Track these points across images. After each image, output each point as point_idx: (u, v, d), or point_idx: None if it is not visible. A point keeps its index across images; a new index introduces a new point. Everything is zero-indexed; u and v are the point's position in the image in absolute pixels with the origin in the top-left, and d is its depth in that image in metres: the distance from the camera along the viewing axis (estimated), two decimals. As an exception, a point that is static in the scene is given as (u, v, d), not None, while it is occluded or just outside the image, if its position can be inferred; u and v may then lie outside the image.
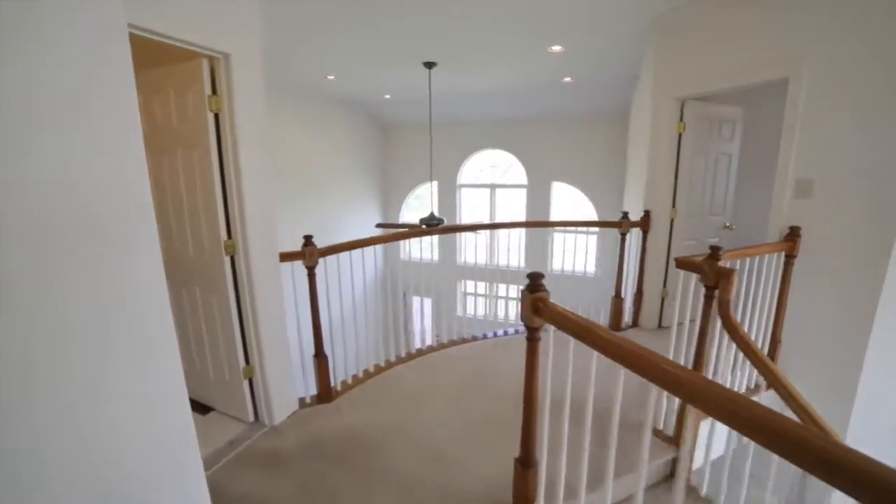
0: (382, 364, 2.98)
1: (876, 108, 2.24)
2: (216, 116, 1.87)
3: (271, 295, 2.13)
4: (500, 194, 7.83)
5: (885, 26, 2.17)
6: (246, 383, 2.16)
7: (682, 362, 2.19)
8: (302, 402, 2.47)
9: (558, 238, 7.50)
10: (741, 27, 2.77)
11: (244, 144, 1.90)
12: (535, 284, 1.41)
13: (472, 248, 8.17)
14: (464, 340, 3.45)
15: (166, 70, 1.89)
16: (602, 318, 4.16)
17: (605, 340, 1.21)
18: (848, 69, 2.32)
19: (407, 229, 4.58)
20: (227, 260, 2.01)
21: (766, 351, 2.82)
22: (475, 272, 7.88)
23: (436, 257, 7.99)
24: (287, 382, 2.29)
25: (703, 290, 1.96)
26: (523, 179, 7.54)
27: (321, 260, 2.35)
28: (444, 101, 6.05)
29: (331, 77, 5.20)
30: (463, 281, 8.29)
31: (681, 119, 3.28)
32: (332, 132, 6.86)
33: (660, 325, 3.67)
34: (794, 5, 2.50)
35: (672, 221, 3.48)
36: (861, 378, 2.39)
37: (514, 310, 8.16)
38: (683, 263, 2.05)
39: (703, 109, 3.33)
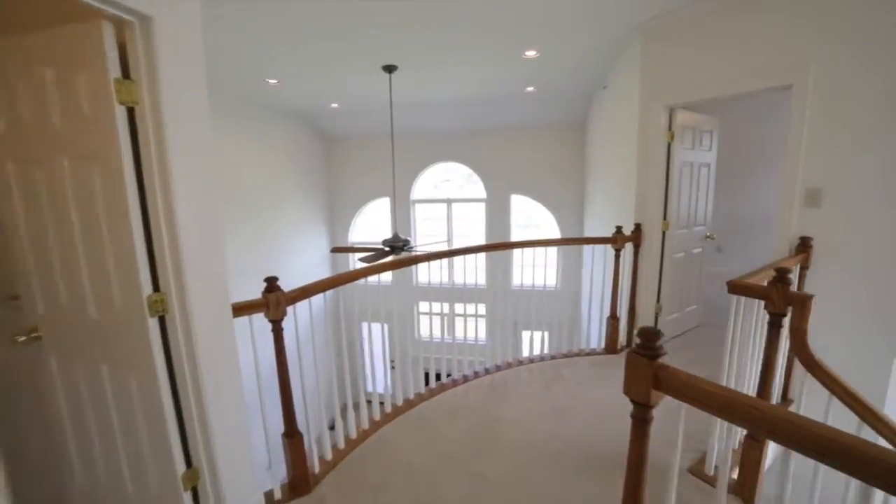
0: (365, 426, 2.39)
1: (885, 112, 2.17)
2: (130, 112, 1.25)
3: (223, 366, 1.50)
4: (458, 209, 7.48)
5: (891, 30, 2.11)
6: (188, 495, 1.50)
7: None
8: (270, 497, 1.83)
9: (518, 252, 7.30)
10: (739, 33, 2.65)
11: (177, 155, 1.30)
12: (650, 346, 0.98)
13: (427, 268, 7.75)
14: (454, 383, 2.96)
15: (39, 37, 1.24)
16: (566, 334, 3.89)
17: (778, 419, 0.80)
18: (853, 75, 2.24)
19: (374, 253, 4.02)
20: (153, 322, 1.36)
21: (783, 370, 2.67)
22: (432, 292, 7.43)
23: (388, 278, 7.40)
24: (249, 481, 1.65)
25: (763, 316, 1.67)
26: (481, 193, 7.26)
27: (290, 308, 1.75)
28: (398, 112, 5.58)
29: (273, 81, 4.52)
30: (422, 302, 7.77)
31: (669, 128, 3.12)
32: (271, 146, 6.08)
33: (655, 344, 3.45)
34: (795, 11, 2.41)
35: (664, 234, 3.29)
36: (888, 394, 2.28)
37: (474, 328, 7.80)
38: (742, 288, 1.76)
39: (688, 118, 3.21)
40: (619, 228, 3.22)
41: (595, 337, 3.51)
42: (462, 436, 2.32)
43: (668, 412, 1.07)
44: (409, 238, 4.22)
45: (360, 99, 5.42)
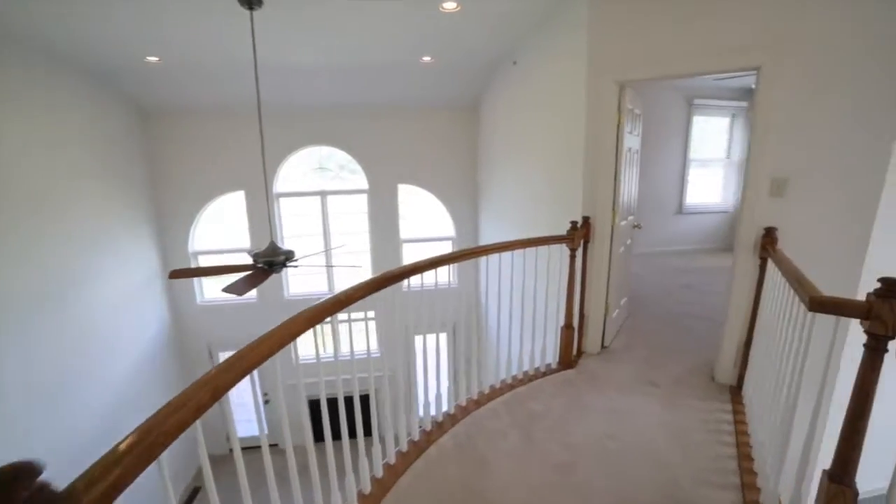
0: None
1: (853, 99, 2.10)
2: None
3: None
4: (334, 202, 6.29)
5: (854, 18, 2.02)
6: None
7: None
8: None
9: (410, 248, 6.57)
10: (706, 3, 2.35)
11: None
12: None
13: (301, 278, 6.39)
14: (405, 458, 2.08)
15: None
16: (473, 336, 3.39)
17: None
18: (826, 58, 2.12)
19: (245, 276, 2.77)
20: None
21: (738, 359, 2.59)
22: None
23: (253, 294, 5.87)
24: None
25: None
26: (362, 183, 6.23)
27: None
28: (252, 77, 4.17)
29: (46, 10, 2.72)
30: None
31: (618, 108, 2.76)
32: (58, 122, 3.92)
33: (602, 346, 3.17)
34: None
35: (612, 228, 2.97)
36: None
37: (365, 342, 6.81)
38: (835, 306, 1.35)
39: (630, 98, 2.90)
40: (574, 224, 2.75)
41: (529, 346, 2.98)
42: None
43: None
44: (292, 249, 3.05)
45: (198, 50, 3.83)
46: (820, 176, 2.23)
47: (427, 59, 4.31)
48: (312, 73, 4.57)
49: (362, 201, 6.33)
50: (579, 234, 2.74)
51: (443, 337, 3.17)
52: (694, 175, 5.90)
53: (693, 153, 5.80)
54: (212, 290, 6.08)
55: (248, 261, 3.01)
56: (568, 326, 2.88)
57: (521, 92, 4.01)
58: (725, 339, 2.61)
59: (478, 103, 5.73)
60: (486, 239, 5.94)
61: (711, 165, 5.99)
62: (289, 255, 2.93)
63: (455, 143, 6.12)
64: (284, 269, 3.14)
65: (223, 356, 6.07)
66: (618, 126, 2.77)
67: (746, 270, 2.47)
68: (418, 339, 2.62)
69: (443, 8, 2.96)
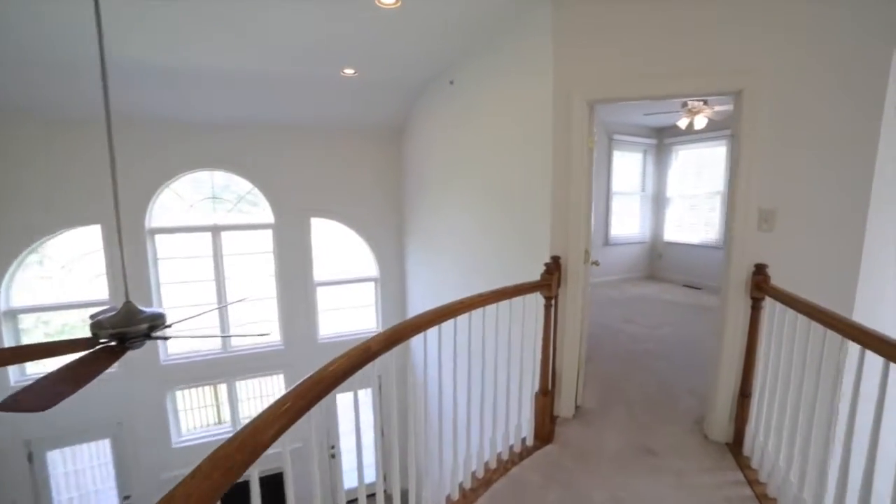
0: None
1: (835, 125, 1.98)
2: None
3: None
4: (230, 239, 5.16)
5: (841, 40, 1.92)
6: None
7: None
8: None
9: (326, 293, 5.64)
10: (686, 20, 2.12)
11: None
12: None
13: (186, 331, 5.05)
14: None
15: None
16: (404, 390, 2.67)
17: None
18: (810, 83, 1.99)
19: (82, 358, 1.76)
20: None
21: (733, 412, 2.28)
22: (196, 369, 4.88)
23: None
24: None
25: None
26: (266, 216, 5.23)
27: None
28: (124, 76, 3.15)
29: None
30: (180, 391, 5.01)
31: (590, 130, 2.41)
32: None
33: (577, 407, 2.69)
34: (751, 7, 2.02)
35: (585, 268, 2.56)
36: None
37: (254, 407, 5.58)
38: None
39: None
40: (548, 267, 2.27)
41: (503, 426, 2.35)
42: None
43: None
44: (162, 311, 2.08)
45: (34, 39, 2.73)
46: (807, 207, 2.06)
47: (349, 71, 3.69)
48: (201, 80, 3.64)
49: (267, 238, 5.30)
50: (555, 279, 2.27)
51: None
52: (616, 207, 6.04)
53: (614, 186, 5.94)
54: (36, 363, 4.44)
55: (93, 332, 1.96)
56: (544, 392, 2.35)
57: (466, 112, 3.57)
58: (719, 393, 2.29)
59: (406, 126, 5.22)
60: (415, 281, 5.31)
61: (629, 198, 6.21)
62: (155, 322, 1.97)
63: (379, 171, 5.49)
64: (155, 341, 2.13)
65: (53, 457, 4.34)
66: (589, 151, 2.41)
67: (738, 313, 2.20)
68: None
69: (380, 2, 2.39)
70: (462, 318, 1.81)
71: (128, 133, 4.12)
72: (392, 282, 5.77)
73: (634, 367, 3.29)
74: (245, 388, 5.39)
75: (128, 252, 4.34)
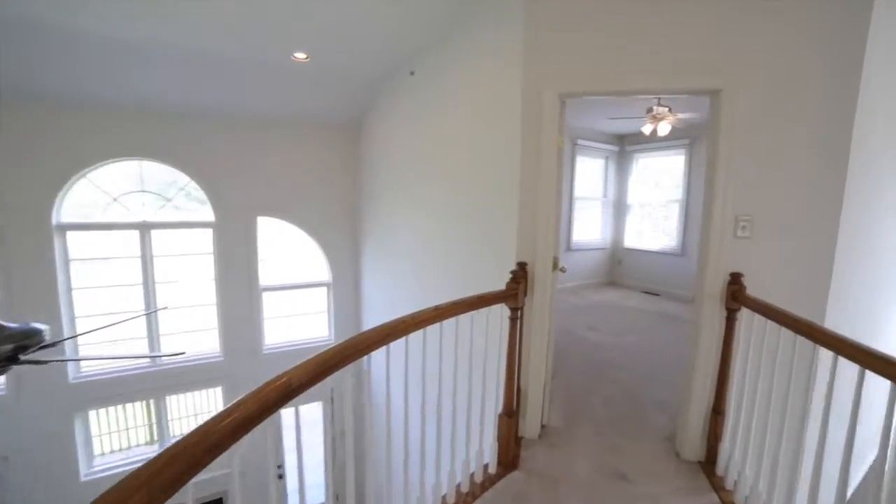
0: None
1: (811, 127, 1.90)
2: None
3: None
4: (162, 238, 4.60)
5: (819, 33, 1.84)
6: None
7: None
8: None
9: (273, 299, 5.17)
10: (663, 16, 1.97)
11: None
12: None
13: (101, 346, 4.41)
14: None
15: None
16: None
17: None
18: (789, 84, 1.89)
19: None
20: None
21: (706, 429, 2.15)
22: (110, 386, 4.29)
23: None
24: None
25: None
26: (206, 214, 4.72)
27: None
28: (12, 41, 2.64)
29: None
30: (94, 410, 4.39)
31: (560, 127, 2.22)
32: None
33: (542, 426, 2.48)
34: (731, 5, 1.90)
35: (554, 275, 2.36)
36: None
37: (186, 425, 5.03)
38: None
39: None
40: (515, 275, 2.05)
41: (463, 453, 2.09)
42: None
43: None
44: (43, 327, 1.65)
45: None
46: (784, 213, 1.97)
47: (300, 55, 3.33)
48: (127, 52, 3.15)
49: (206, 238, 4.78)
50: (522, 288, 2.05)
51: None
52: (578, 213, 5.99)
53: (577, 192, 5.89)
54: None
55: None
56: (509, 413, 2.11)
57: (428, 107, 3.30)
58: (692, 410, 2.16)
59: (363, 120, 4.88)
60: (372, 286, 4.97)
61: (591, 204, 6.19)
62: (26, 342, 1.54)
63: (335, 168, 5.12)
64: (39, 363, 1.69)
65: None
66: (559, 149, 2.22)
67: (713, 326, 2.07)
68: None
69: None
70: (416, 335, 1.54)
71: (25, 112, 3.54)
72: (346, 287, 5.40)
73: (600, 380, 3.15)
74: (177, 404, 4.81)
75: (24, 252, 3.74)
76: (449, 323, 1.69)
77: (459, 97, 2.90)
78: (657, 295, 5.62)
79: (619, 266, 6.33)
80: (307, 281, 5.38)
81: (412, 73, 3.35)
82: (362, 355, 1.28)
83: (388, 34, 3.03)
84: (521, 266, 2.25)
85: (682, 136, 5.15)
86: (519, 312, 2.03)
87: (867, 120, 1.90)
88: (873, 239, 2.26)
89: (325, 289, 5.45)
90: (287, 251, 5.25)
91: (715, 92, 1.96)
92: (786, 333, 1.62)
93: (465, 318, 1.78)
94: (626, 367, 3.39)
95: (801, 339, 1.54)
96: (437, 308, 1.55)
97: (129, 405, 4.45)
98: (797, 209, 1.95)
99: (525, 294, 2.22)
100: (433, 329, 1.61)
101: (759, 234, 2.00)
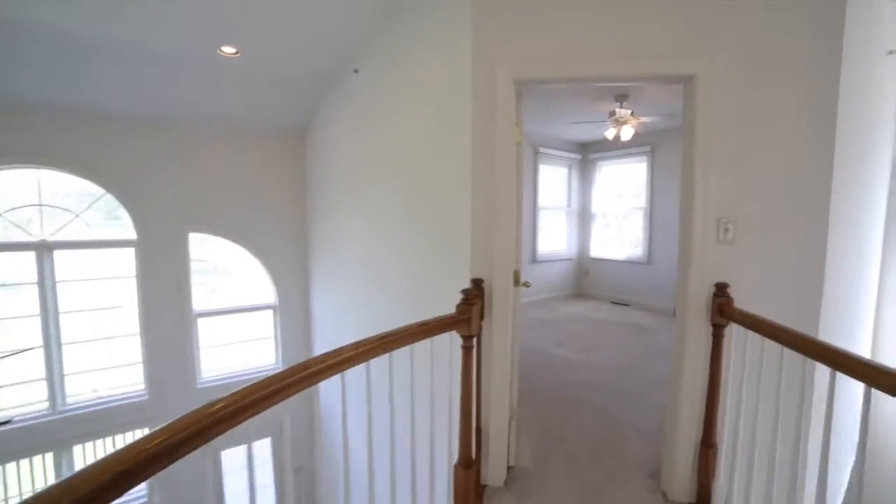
0: None
1: (802, 114, 1.68)
2: None
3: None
4: (65, 259, 3.95)
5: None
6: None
7: None
8: None
9: (208, 325, 4.58)
10: None
11: None
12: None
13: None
14: None
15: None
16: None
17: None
18: (768, 69, 1.67)
19: None
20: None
21: (696, 465, 1.85)
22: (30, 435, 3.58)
23: None
24: None
25: None
26: (126, 231, 4.11)
27: None
28: None
29: None
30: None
31: (517, 117, 1.91)
32: None
33: (509, 468, 2.11)
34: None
35: (515, 293, 2.03)
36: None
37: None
38: None
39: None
40: (467, 294, 1.69)
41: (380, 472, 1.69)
42: None
43: None
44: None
45: None
46: (770, 211, 1.74)
47: (229, 49, 2.92)
48: (15, 38, 2.62)
49: (128, 259, 4.17)
50: (477, 310, 1.70)
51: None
52: (542, 223, 5.78)
53: (540, 201, 5.69)
54: None
55: None
56: (466, 464, 1.73)
57: (375, 108, 2.95)
58: (678, 443, 1.86)
59: (307, 128, 4.47)
60: (323, 308, 4.50)
61: (555, 213, 6.00)
62: None
63: (278, 179, 4.65)
64: None
65: None
66: (517, 145, 1.91)
67: (698, 345, 1.79)
68: None
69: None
70: (336, 379, 1.14)
71: None
72: (294, 309, 4.89)
73: (572, 404, 2.83)
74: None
75: None
76: (397, 353, 1.31)
77: (408, 95, 2.57)
78: (626, 305, 5.44)
79: (586, 277, 6.15)
80: (250, 304, 4.83)
81: (356, 72, 3.00)
82: (267, 406, 0.89)
83: (325, 25, 2.69)
84: (477, 283, 1.90)
85: (643, 143, 5.05)
86: (474, 340, 1.68)
87: (851, 101, 1.71)
88: (863, 231, 2.09)
89: (270, 312, 4.90)
90: (227, 272, 4.69)
91: (688, 78, 1.72)
92: (788, 354, 1.35)
93: (403, 352, 1.40)
94: (598, 386, 3.10)
95: (808, 361, 1.27)
96: (356, 345, 1.16)
97: (22, 461, 3.70)
98: (783, 207, 1.72)
99: (482, 317, 1.87)
100: (358, 370, 1.22)
101: (743, 238, 1.75)
